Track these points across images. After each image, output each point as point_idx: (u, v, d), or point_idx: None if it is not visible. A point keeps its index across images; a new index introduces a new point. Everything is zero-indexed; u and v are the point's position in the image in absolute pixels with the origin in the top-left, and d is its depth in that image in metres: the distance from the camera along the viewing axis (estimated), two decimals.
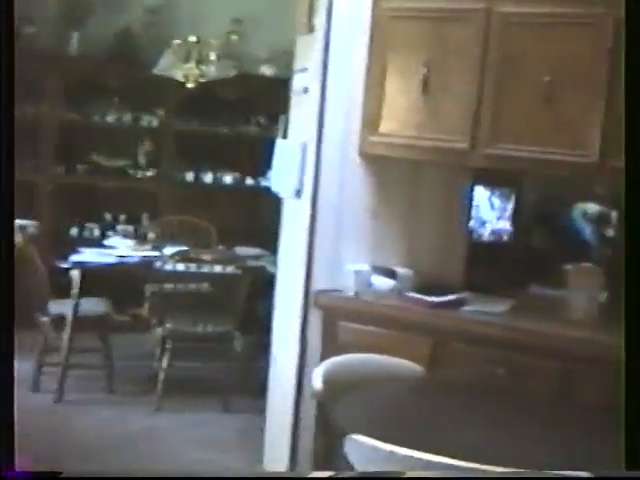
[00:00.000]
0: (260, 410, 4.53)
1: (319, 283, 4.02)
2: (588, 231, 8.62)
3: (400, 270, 4.03)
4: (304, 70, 4.24)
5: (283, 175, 4.36)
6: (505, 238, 6.41)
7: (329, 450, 3.10)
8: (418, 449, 2.43)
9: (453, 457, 2.41)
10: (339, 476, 2.87)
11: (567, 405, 3.38)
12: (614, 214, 8.33)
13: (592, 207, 8.62)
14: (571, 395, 3.45)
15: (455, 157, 3.85)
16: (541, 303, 4.30)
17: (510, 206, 6.47)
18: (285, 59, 5.74)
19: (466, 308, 3.89)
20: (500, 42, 3.67)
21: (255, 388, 5.04)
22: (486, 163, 3.80)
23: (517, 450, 2.73)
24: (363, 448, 2.54)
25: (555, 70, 3.56)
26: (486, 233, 4.89)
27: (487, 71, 3.71)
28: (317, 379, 3.17)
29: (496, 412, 3.10)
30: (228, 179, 7.62)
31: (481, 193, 4.57)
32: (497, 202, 5.17)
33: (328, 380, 3.18)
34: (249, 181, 7.63)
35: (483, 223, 4.81)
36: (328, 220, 4.03)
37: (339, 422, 2.84)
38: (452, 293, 3.96)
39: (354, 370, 3.35)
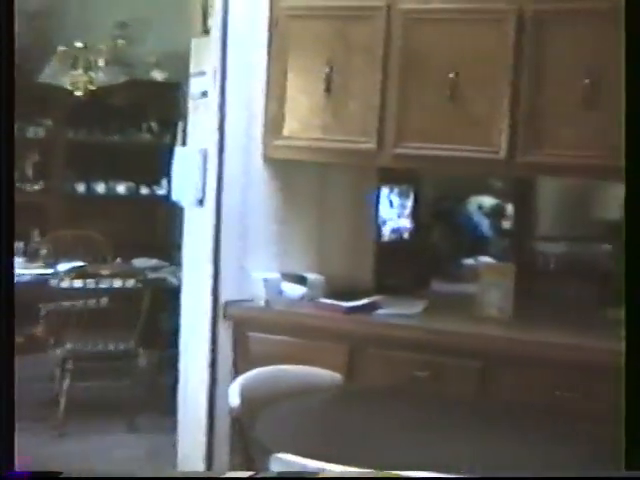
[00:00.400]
0: (171, 428, 4.35)
1: (227, 293, 3.87)
2: (485, 225, 8.74)
3: (311, 276, 3.93)
4: (201, 74, 4.08)
5: (184, 183, 4.18)
6: (406, 236, 6.40)
7: (248, 467, 2.96)
8: (345, 462, 2.33)
9: (382, 468, 2.32)
10: (258, 476, 2.75)
11: (489, 405, 3.34)
12: (509, 207, 8.46)
13: (487, 201, 8.73)
14: (492, 394, 3.41)
15: (362, 158, 3.77)
16: (454, 301, 4.28)
17: (409, 203, 6.46)
18: (177, 63, 5.56)
19: (380, 312, 3.81)
20: (403, 39, 3.61)
21: (163, 405, 4.85)
22: (394, 163, 3.73)
23: (444, 454, 2.66)
24: (291, 467, 2.42)
25: (460, 67, 3.52)
26: (387, 232, 4.85)
27: (391, 69, 3.65)
28: (233, 395, 3.03)
29: (419, 416, 3.02)
30: (122, 189, 7.38)
31: (381, 191, 4.52)
32: (396, 200, 5.14)
33: (245, 396, 3.04)
34: (144, 190, 7.41)
35: (384, 222, 4.77)
36: (233, 228, 3.89)
37: (261, 440, 2.71)
38: (365, 297, 3.87)
39: (271, 383, 3.22)
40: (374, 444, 2.72)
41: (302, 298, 3.86)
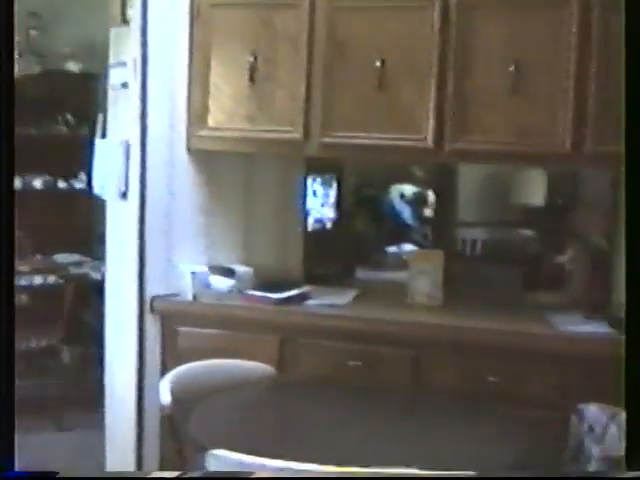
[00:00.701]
0: (98, 425, 4.25)
1: (154, 288, 3.79)
2: (407, 212, 8.78)
3: (239, 268, 3.87)
4: (121, 64, 3.97)
5: (105, 177, 4.08)
6: (331, 226, 6.39)
7: (179, 465, 2.91)
8: (282, 457, 2.29)
9: (319, 462, 2.29)
10: (186, 476, 2.70)
11: (424, 393, 3.35)
12: (430, 194, 8.52)
13: (409, 188, 8.78)
14: (426, 382, 3.42)
15: (288, 148, 3.73)
16: (383, 290, 4.28)
17: (333, 192, 6.45)
18: (94, 53, 5.43)
19: (310, 302, 3.78)
20: (328, 28, 3.58)
21: (90, 402, 4.74)
22: (321, 153, 3.69)
23: (380, 445, 2.65)
24: (227, 463, 2.38)
25: (386, 54, 3.50)
26: (313, 222, 4.82)
27: (316, 58, 3.61)
28: (164, 392, 2.97)
29: (354, 406, 3.00)
30: (38, 183, 7.16)
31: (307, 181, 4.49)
32: (320, 189, 5.12)
33: (175, 392, 2.99)
34: (61, 184, 7.21)
35: (310, 212, 4.74)
36: (158, 221, 3.80)
37: (195, 437, 2.66)
38: (294, 288, 3.84)
39: (202, 379, 3.18)
40: (310, 437, 2.70)
41: (230, 291, 3.81)
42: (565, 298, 3.88)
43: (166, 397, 2.94)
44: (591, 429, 2.84)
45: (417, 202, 9.06)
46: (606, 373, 3.25)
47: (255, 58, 3.66)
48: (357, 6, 3.56)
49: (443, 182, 7.73)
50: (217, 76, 3.74)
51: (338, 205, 6.64)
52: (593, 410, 2.87)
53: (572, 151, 3.37)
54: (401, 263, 8.16)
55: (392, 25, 3.51)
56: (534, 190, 7.10)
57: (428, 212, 9.05)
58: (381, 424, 2.83)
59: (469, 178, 7.31)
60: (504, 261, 4.97)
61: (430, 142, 3.51)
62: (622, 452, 2.54)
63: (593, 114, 3.34)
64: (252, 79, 3.68)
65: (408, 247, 8.61)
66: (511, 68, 3.38)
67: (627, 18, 2.71)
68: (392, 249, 8.49)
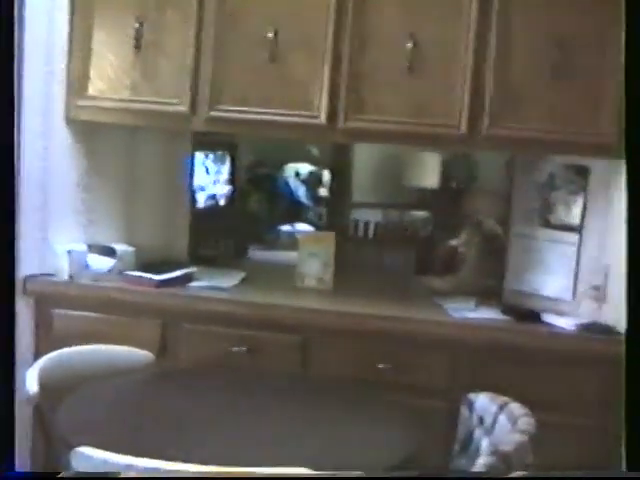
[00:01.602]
0: None
1: (27, 267, 3.52)
2: (302, 191, 8.66)
3: (119, 247, 3.65)
4: None
5: None
6: (223, 203, 6.20)
7: (51, 461, 2.70)
8: (156, 456, 2.11)
9: (193, 458, 2.13)
10: (61, 476, 2.51)
11: (312, 380, 3.23)
12: (326, 173, 8.42)
13: (304, 167, 8.66)
14: (314, 368, 3.29)
15: (174, 121, 3.52)
16: (273, 272, 4.14)
17: (226, 169, 6.26)
18: None
19: (194, 284, 3.60)
20: None
21: None
22: (208, 127, 3.49)
23: (266, 436, 2.51)
24: (91, 462, 2.17)
25: (279, 26, 3.34)
26: (203, 200, 4.64)
27: (206, 27, 3.41)
28: (31, 381, 2.74)
29: (238, 395, 2.84)
30: None
31: (195, 157, 4.30)
32: (212, 166, 4.94)
33: (45, 381, 2.76)
34: None
35: (199, 189, 4.56)
36: (33, 196, 3.52)
37: (62, 432, 2.45)
38: (179, 269, 3.65)
39: (74, 366, 2.96)
40: (190, 431, 2.52)
41: (110, 271, 3.59)
42: (457, 283, 3.80)
43: (33, 386, 2.71)
44: (481, 420, 2.75)
45: (312, 181, 8.95)
46: (497, 361, 3.22)
47: (141, 24, 3.44)
48: None
49: (339, 162, 7.64)
50: (99, 42, 3.50)
51: (231, 183, 6.47)
52: (483, 400, 2.78)
53: (468, 133, 3.28)
54: (294, 243, 8.03)
55: None
56: (429, 173, 7.07)
57: (323, 192, 8.96)
58: (267, 414, 2.68)
59: (365, 158, 7.24)
60: (397, 245, 4.89)
61: (323, 120, 3.36)
62: (511, 446, 2.48)
63: (490, 96, 3.25)
64: (137, 46, 3.46)
65: (302, 227, 8.51)
66: (408, 45, 3.26)
67: (627, 18, 2.62)
68: (286, 228, 8.37)
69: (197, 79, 3.43)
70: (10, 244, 3.39)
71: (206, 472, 2.08)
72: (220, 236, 4.90)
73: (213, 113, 3.44)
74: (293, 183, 8.81)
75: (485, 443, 2.63)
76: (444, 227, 5.50)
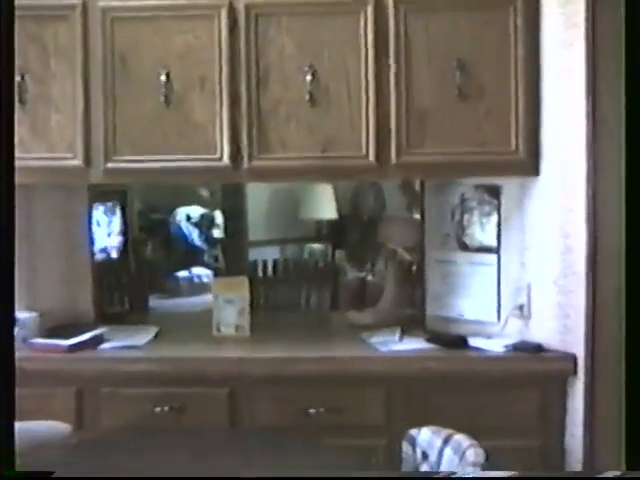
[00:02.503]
0: None
1: None
2: (195, 235, 8.49)
3: (21, 314, 3.42)
4: None
5: None
6: (119, 256, 5.97)
7: None
8: None
9: None
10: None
11: (242, 433, 3.09)
12: (218, 214, 8.27)
13: (195, 210, 8.49)
14: (244, 420, 3.15)
15: (69, 176, 3.34)
16: (186, 322, 3.98)
17: (117, 220, 6.03)
18: None
19: (105, 346, 3.40)
20: (105, 40, 3.24)
21: None
22: (106, 179, 3.34)
23: None
24: None
25: (172, 67, 3.21)
26: (100, 255, 4.45)
27: (93, 74, 3.26)
28: None
29: (166, 455, 2.67)
30: None
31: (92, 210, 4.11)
32: (103, 218, 4.75)
33: None
34: None
35: (95, 244, 4.37)
36: None
37: None
38: (87, 331, 3.44)
39: None
40: None
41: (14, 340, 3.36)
42: (377, 316, 3.72)
43: None
44: (425, 455, 2.67)
45: (205, 224, 8.79)
46: (430, 391, 3.15)
47: (22, 77, 3.26)
48: (135, 16, 3.24)
49: (231, 201, 7.52)
50: None
51: (124, 233, 6.25)
52: (425, 434, 2.69)
53: (377, 163, 3.22)
54: (194, 289, 7.86)
55: (176, 36, 3.23)
56: (325, 204, 7.02)
57: (217, 233, 8.80)
58: (199, 469, 2.52)
59: (257, 195, 7.14)
60: (303, 281, 4.78)
61: (226, 161, 3.24)
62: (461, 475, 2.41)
63: (396, 123, 3.20)
64: (21, 101, 3.27)
65: (200, 271, 8.32)
66: (308, 78, 3.19)
67: (627, 18, 2.58)
68: (184, 274, 8.16)
69: (89, 130, 3.28)
70: None
71: None
72: (122, 291, 4.71)
73: (110, 165, 3.28)
74: (185, 227, 8.64)
75: None
76: (357, 259, 5.44)
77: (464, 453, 2.49)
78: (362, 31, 3.19)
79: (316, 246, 7.12)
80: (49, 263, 3.68)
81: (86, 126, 3.27)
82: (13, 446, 2.30)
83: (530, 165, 3.18)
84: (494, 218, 3.37)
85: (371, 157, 3.21)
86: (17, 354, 3.28)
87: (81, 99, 3.26)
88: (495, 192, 3.38)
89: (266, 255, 5.95)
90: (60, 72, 3.27)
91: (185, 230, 8.65)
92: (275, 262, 5.45)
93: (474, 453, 2.46)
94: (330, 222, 6.97)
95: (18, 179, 3.33)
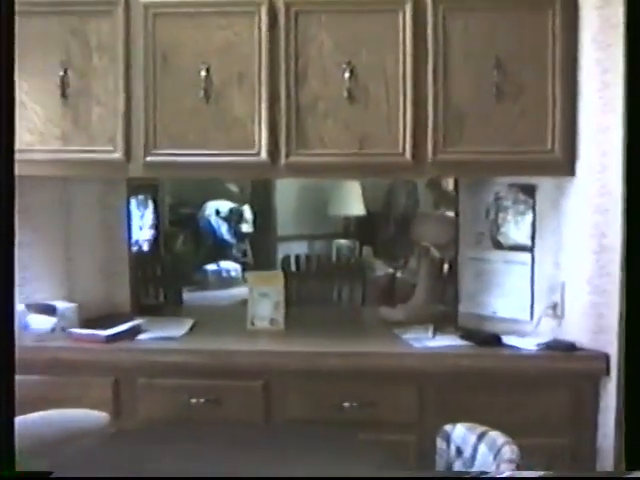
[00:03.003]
0: None
1: None
2: (224, 229, 8.55)
3: (60, 305, 3.48)
4: None
5: None
6: (149, 249, 6.03)
7: None
8: None
9: None
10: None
11: (277, 426, 3.12)
12: (247, 209, 8.33)
13: (224, 204, 8.56)
14: (279, 413, 3.18)
15: (109, 169, 3.38)
16: (221, 316, 4.02)
17: (149, 213, 6.09)
18: None
19: (143, 337, 3.45)
20: (146, 36, 3.28)
21: None
22: (145, 173, 3.38)
23: None
24: None
25: (212, 63, 3.25)
26: (136, 247, 4.51)
27: (135, 69, 3.30)
28: None
29: (203, 447, 2.70)
30: None
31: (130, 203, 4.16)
32: (136, 211, 4.82)
33: None
34: None
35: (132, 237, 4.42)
36: None
37: None
38: (124, 322, 3.50)
39: (29, 436, 2.78)
40: None
41: (53, 330, 3.42)
42: (409, 312, 3.74)
43: None
44: (459, 451, 2.69)
45: (233, 218, 8.85)
46: (463, 389, 3.17)
47: (65, 71, 3.31)
48: (179, 12, 3.28)
49: (260, 196, 7.56)
50: (23, 92, 3.35)
51: (156, 226, 6.31)
52: (460, 430, 2.71)
53: (413, 160, 3.24)
54: (223, 282, 7.92)
55: (217, 32, 3.26)
56: (354, 201, 7.04)
57: (246, 228, 8.85)
58: (235, 463, 2.56)
59: (287, 191, 7.18)
60: (338, 277, 4.81)
61: (264, 157, 3.27)
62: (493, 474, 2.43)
63: (433, 121, 3.22)
64: (64, 94, 3.32)
65: (228, 264, 8.38)
66: (346, 75, 3.21)
67: (627, 18, 2.60)
68: (212, 268, 8.23)
69: (130, 124, 3.32)
70: None
71: None
72: (156, 283, 4.76)
73: (149, 158, 3.32)
74: (215, 221, 8.70)
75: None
76: (391, 256, 5.46)
77: (499, 450, 2.51)
78: (401, 29, 3.21)
79: (343, 242, 7.16)
80: (87, 254, 3.73)
81: (127, 120, 3.31)
82: (13, 446, 2.30)
83: (566, 165, 3.19)
84: (528, 217, 3.39)
85: (407, 155, 3.23)
86: (56, 344, 3.37)
87: (122, 93, 3.30)
88: (530, 191, 3.39)
89: (294, 250, 6.00)
90: (102, 67, 3.31)
91: (214, 224, 8.72)
92: (307, 257, 5.49)
93: (509, 450, 2.48)
94: (358, 219, 7.01)
95: (58, 172, 3.41)
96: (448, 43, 3.21)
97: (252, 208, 8.15)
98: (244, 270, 8.40)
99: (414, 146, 3.23)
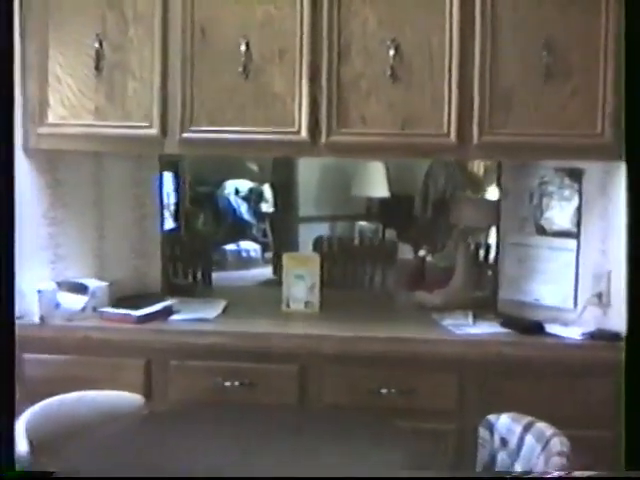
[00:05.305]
0: None
1: None
2: (243, 208, 8.47)
3: (91, 283, 3.41)
4: None
5: None
6: (173, 227, 5.98)
7: None
8: None
9: None
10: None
11: (311, 411, 3.05)
12: (267, 189, 8.26)
13: (243, 184, 8.48)
14: (313, 398, 3.11)
15: (144, 145, 3.30)
16: (255, 297, 3.94)
17: (171, 191, 6.03)
18: None
19: (175, 317, 3.38)
20: (184, 8, 3.18)
21: None
22: (181, 150, 3.29)
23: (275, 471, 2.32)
24: None
25: (252, 39, 3.15)
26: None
27: (172, 43, 3.21)
28: (20, 440, 2.49)
29: (236, 431, 2.63)
30: None
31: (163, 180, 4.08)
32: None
33: (34, 438, 2.52)
34: None
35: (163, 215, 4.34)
36: None
37: None
38: (155, 302, 3.42)
39: (63, 417, 2.73)
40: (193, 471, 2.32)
41: (83, 309, 3.35)
42: (448, 297, 3.65)
43: (22, 445, 2.47)
44: (504, 442, 2.61)
45: (253, 198, 8.77)
46: (504, 377, 3.08)
47: (100, 44, 3.22)
48: None
49: (280, 176, 7.47)
50: (57, 64, 3.26)
51: (176, 204, 6.24)
52: (505, 421, 2.64)
53: (458, 142, 3.14)
54: (242, 262, 7.86)
55: (257, 6, 3.16)
56: (378, 182, 6.95)
57: (266, 207, 8.77)
58: (268, 448, 2.49)
59: (308, 171, 7.09)
60: (369, 260, 4.73)
61: (304, 135, 3.18)
62: (540, 467, 2.35)
63: (479, 102, 3.12)
64: (98, 68, 3.24)
65: (248, 245, 8.33)
66: (391, 52, 3.12)
67: (627, 18, 2.51)
68: (231, 248, 8.17)
69: (166, 99, 3.23)
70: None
71: None
72: (185, 263, 4.70)
73: (186, 135, 3.23)
74: (234, 200, 8.62)
75: (518, 468, 2.49)
76: (407, 238, 5.37)
77: (547, 442, 2.43)
78: (447, 7, 3.11)
79: (366, 224, 7.07)
80: (118, 232, 3.65)
81: (163, 95, 3.22)
82: (13, 446, 2.24)
83: (616, 149, 3.09)
84: (574, 202, 3.29)
85: (452, 136, 3.13)
86: (86, 323, 3.30)
87: (159, 67, 3.21)
88: (577, 176, 3.29)
89: (315, 232, 5.91)
90: (138, 40, 3.22)
91: (233, 204, 8.64)
92: (329, 239, 5.42)
93: (559, 442, 2.41)
94: (381, 200, 6.91)
95: (91, 146, 3.33)
96: (496, 21, 3.10)
97: (272, 188, 8.07)
98: (263, 251, 8.35)
99: (459, 127, 3.13)
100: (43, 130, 3.29)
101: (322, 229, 6.81)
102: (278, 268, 4.15)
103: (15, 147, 3.27)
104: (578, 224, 3.29)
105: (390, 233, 6.48)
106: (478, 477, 2.63)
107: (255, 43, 3.16)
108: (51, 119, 3.28)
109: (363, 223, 7.09)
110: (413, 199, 6.31)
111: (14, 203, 2.46)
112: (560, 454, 2.36)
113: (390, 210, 6.71)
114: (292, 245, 6.87)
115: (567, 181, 3.31)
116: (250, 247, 8.20)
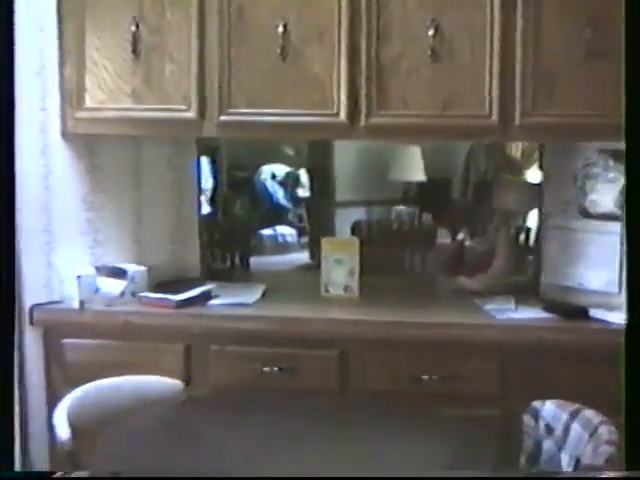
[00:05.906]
0: None
1: (33, 296, 3.27)
2: (280, 193, 8.44)
3: (131, 268, 3.40)
4: None
5: None
6: (210, 212, 5.95)
7: None
8: None
9: None
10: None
11: (351, 397, 3.02)
12: (303, 173, 8.20)
13: (280, 169, 8.44)
14: (354, 384, 3.08)
15: (182, 129, 3.27)
16: (292, 281, 3.92)
17: (209, 175, 5.99)
18: None
19: (214, 302, 3.36)
20: None
21: None
22: (219, 133, 3.26)
23: (315, 456, 2.31)
24: None
25: (290, 19, 3.11)
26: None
27: (209, 25, 3.17)
28: (61, 425, 2.49)
29: (276, 417, 2.61)
30: None
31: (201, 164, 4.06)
32: None
33: (75, 423, 2.51)
34: None
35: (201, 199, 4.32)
36: (34, 219, 3.27)
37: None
38: (194, 287, 3.40)
39: (103, 402, 2.72)
40: (234, 458, 2.31)
41: (122, 294, 3.34)
42: (489, 282, 3.60)
43: (63, 430, 2.46)
44: (549, 429, 2.56)
45: (290, 183, 8.73)
46: (548, 363, 3.03)
47: (137, 26, 3.20)
48: None
49: (316, 160, 7.42)
50: (93, 47, 3.25)
51: (214, 189, 6.22)
52: (550, 408, 2.59)
53: (500, 123, 3.08)
54: (280, 247, 7.83)
55: None
56: (415, 166, 6.88)
57: (302, 192, 8.73)
58: (309, 434, 2.48)
59: (345, 155, 7.02)
60: (409, 244, 4.67)
61: (343, 117, 3.14)
62: (588, 456, 2.30)
63: (521, 83, 3.06)
64: (135, 51, 3.21)
65: (284, 230, 8.30)
66: (430, 32, 3.06)
67: (627, 18, 2.44)
68: (268, 232, 8.15)
69: (204, 82, 3.20)
70: (13, 271, 3.13)
71: None
72: (223, 248, 4.68)
73: (224, 117, 3.20)
74: (271, 185, 8.59)
75: (565, 457, 2.44)
76: (445, 222, 5.30)
77: (596, 429, 2.38)
78: None
79: (403, 208, 7.01)
80: (157, 216, 3.64)
81: (201, 77, 3.19)
82: (13, 446, 2.27)
83: None
84: (619, 185, 3.22)
85: (494, 117, 3.07)
86: (126, 308, 3.29)
87: (196, 50, 3.18)
88: (621, 157, 3.21)
89: (352, 216, 5.87)
90: (175, 22, 3.19)
91: (270, 189, 8.61)
92: (368, 223, 5.36)
93: (607, 431, 2.35)
94: (418, 184, 6.84)
95: (129, 130, 3.31)
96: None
97: (309, 172, 8.03)
98: (300, 235, 8.32)
99: (501, 108, 3.07)
100: (81, 114, 3.27)
101: (358, 214, 6.76)
102: (315, 253, 4.11)
103: (50, 134, 3.29)
104: (623, 207, 3.21)
105: (426, 217, 6.42)
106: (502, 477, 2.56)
107: (293, 24, 3.12)
108: (89, 103, 3.27)
109: (400, 207, 7.03)
110: (450, 182, 6.23)
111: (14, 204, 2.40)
112: (609, 442, 2.31)
113: (427, 194, 6.64)
114: (329, 230, 6.82)
115: (611, 163, 3.23)
116: (287, 232, 8.19)
